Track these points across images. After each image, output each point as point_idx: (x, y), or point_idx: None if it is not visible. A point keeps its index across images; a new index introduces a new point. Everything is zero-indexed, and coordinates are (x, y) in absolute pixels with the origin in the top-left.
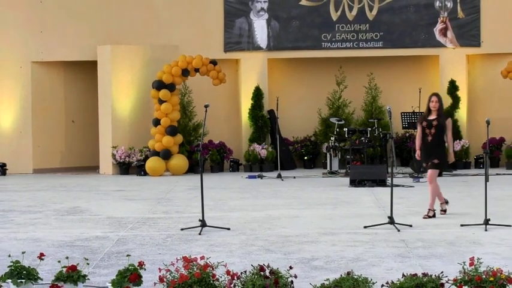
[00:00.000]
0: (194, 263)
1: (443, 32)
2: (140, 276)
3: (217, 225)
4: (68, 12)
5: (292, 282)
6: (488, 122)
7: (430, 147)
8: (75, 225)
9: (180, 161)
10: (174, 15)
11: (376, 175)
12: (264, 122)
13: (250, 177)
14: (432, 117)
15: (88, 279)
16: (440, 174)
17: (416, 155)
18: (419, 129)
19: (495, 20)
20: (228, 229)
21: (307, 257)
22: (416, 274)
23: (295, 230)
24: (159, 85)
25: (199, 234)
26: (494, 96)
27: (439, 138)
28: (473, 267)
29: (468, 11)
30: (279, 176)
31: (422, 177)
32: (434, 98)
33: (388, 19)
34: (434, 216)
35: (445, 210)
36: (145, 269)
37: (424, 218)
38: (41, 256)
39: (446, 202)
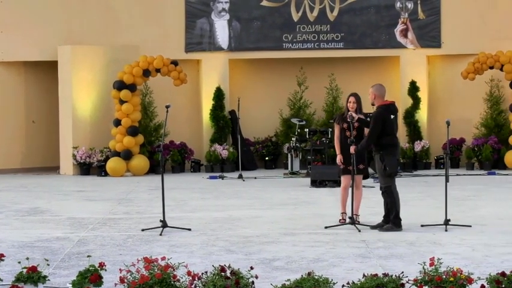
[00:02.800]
0: (155, 263)
1: (404, 33)
2: (101, 277)
3: (178, 225)
4: (28, 13)
5: (253, 282)
6: (448, 123)
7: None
8: (35, 226)
9: (141, 161)
10: (135, 16)
11: (337, 175)
12: (225, 123)
13: (211, 177)
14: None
15: (48, 280)
16: (365, 177)
17: (338, 161)
18: (337, 130)
19: (455, 21)
20: (189, 230)
21: (268, 258)
22: (376, 274)
23: (256, 230)
24: (120, 85)
25: (160, 234)
26: (454, 97)
27: (361, 140)
28: (433, 267)
29: (428, 12)
30: (240, 177)
31: None
32: (352, 99)
33: (349, 20)
34: (358, 222)
35: (344, 220)
36: (106, 270)
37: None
38: (1, 257)
39: (345, 220)
